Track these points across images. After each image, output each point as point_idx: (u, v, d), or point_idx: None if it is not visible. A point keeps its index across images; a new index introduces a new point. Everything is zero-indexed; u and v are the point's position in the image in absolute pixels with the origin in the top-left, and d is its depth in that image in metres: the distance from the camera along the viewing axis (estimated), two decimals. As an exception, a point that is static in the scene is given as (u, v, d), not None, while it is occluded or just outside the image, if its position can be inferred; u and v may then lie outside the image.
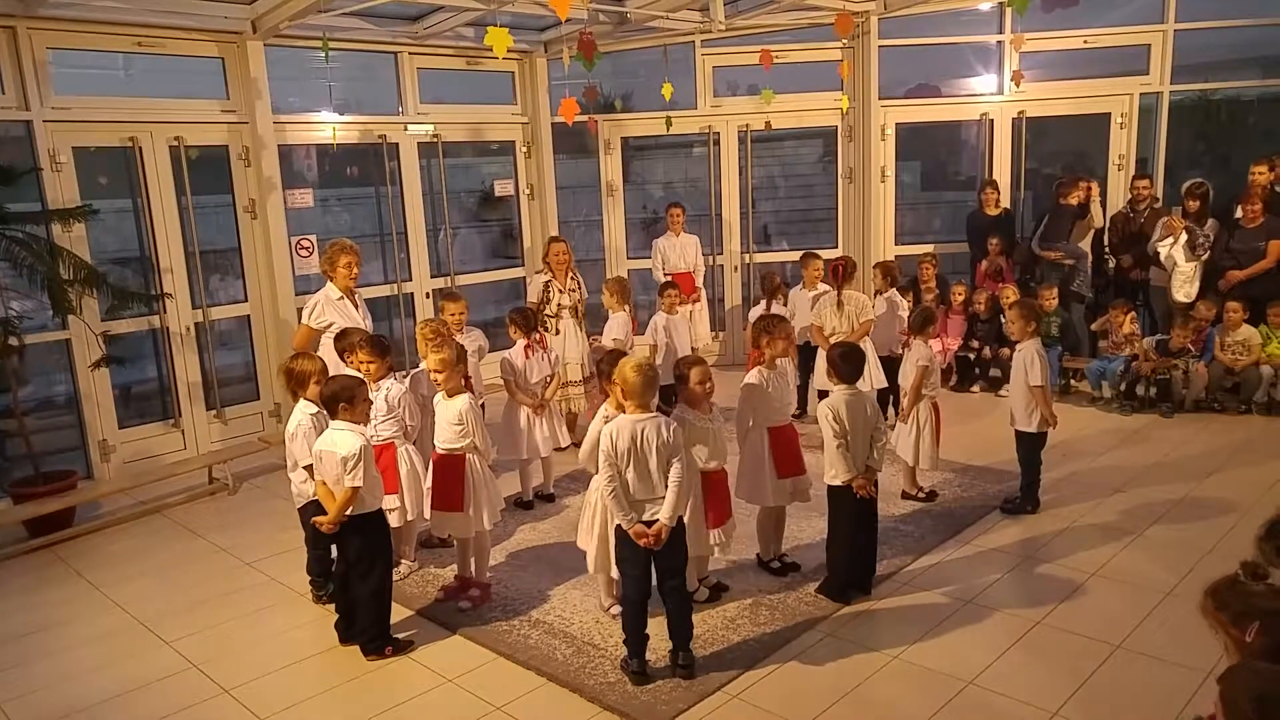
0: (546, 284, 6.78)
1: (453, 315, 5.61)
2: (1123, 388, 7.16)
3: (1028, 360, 5.09)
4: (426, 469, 4.61)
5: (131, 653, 4.24)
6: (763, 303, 7.14)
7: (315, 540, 4.39)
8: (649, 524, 3.56)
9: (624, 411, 3.73)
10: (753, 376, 4.47)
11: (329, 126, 7.62)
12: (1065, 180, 8.08)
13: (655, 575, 3.68)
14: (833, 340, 6.24)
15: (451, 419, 4.27)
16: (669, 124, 8.13)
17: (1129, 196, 8.13)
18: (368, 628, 4.03)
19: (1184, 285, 7.38)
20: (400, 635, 4.13)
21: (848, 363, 4.24)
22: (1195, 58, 8.71)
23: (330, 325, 5.40)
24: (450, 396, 4.32)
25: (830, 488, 4.23)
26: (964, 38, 9.10)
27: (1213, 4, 8.48)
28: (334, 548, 4.14)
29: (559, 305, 6.72)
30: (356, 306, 5.60)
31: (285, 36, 7.11)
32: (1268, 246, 7.11)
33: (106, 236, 6.95)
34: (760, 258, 9.41)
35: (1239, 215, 7.34)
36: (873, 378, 6.19)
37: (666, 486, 3.57)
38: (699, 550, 4.12)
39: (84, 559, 5.41)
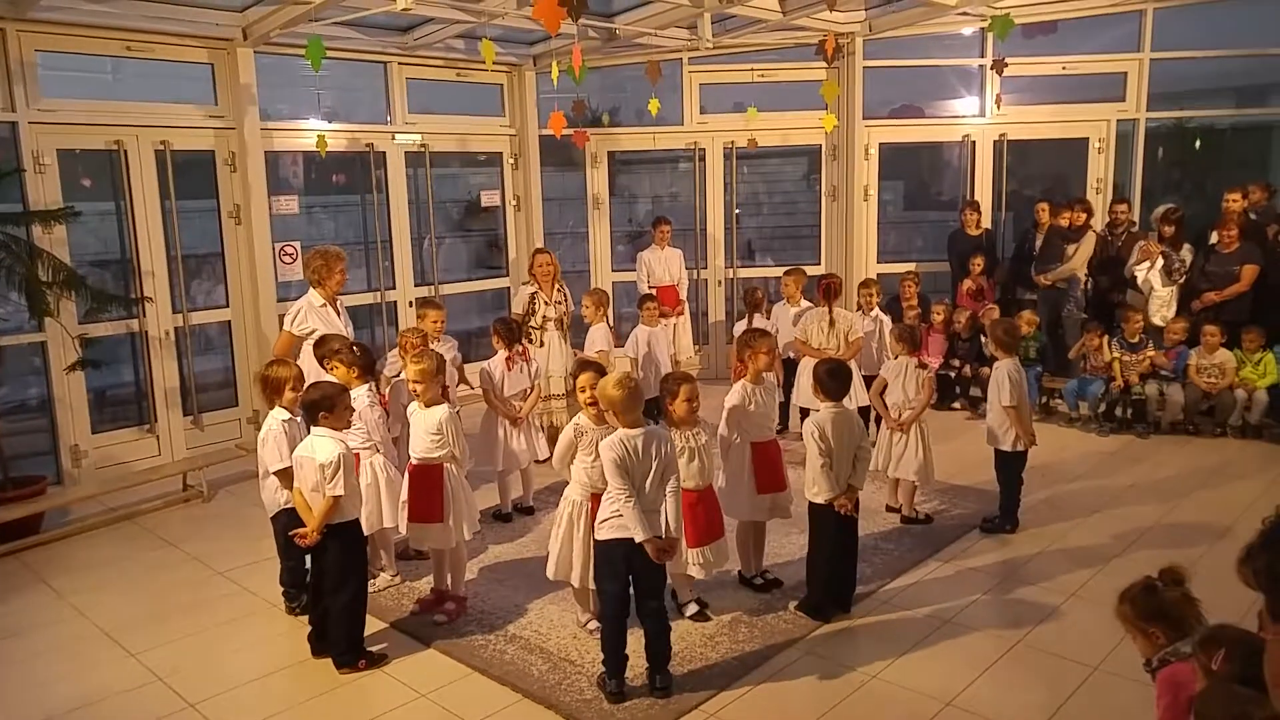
0: (532, 295, 6.77)
1: (434, 323, 5.61)
2: (1102, 409, 7.23)
3: (999, 380, 5.13)
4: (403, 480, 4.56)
5: (95, 664, 4.15)
6: (749, 316, 7.16)
7: (288, 550, 4.33)
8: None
9: (594, 423, 3.71)
10: (734, 397, 4.46)
11: (317, 134, 7.59)
12: (1059, 203, 8.19)
13: (634, 595, 3.65)
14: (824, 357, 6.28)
15: (430, 429, 4.24)
16: (655, 139, 8.17)
17: (1107, 220, 8.24)
18: (341, 640, 3.97)
19: (1161, 309, 7.48)
20: (374, 648, 4.08)
21: (835, 380, 4.24)
22: (1171, 86, 8.86)
23: (313, 332, 5.35)
24: (427, 406, 4.29)
25: (811, 505, 4.23)
26: (947, 60, 9.22)
27: (1188, 34, 8.64)
28: (308, 558, 4.08)
29: (544, 317, 6.71)
30: (339, 314, 5.56)
31: (276, 44, 7.09)
32: (1242, 271, 7.22)
33: (88, 239, 6.89)
34: (744, 273, 9.44)
35: (1214, 240, 7.44)
36: (856, 395, 6.21)
37: (662, 500, 3.56)
38: (676, 568, 4.11)
39: (51, 566, 5.31)
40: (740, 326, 7.34)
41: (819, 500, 4.16)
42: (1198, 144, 9.35)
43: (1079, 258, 7.94)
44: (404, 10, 5.99)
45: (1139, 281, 7.57)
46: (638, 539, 3.49)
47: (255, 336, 7.32)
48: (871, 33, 8.62)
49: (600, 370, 4.05)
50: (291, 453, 4.06)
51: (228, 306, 7.36)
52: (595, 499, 3.84)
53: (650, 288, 8.07)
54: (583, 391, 4.00)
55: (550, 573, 4.11)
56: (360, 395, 4.55)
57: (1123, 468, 6.37)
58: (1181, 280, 7.44)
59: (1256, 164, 8.98)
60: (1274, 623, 1.07)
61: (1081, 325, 7.87)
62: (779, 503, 4.50)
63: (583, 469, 3.93)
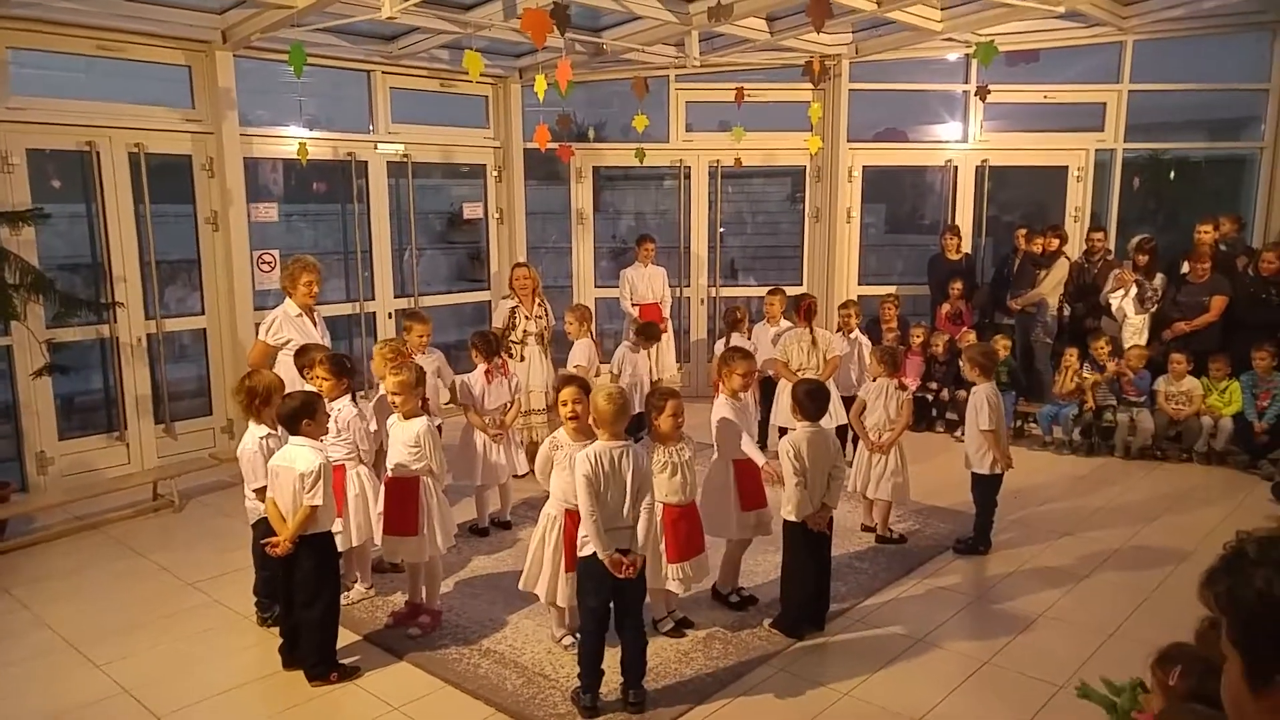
0: (513, 309, 6.75)
1: (420, 337, 5.59)
2: (1075, 433, 7.32)
3: (978, 404, 5.19)
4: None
5: (59, 676, 4.06)
6: (730, 335, 7.19)
7: (265, 560, 4.27)
8: (623, 553, 3.53)
9: (572, 439, 3.71)
10: (725, 409, 4.48)
11: (297, 141, 7.56)
12: (1032, 230, 8.31)
13: (614, 610, 3.64)
14: (803, 377, 6.32)
15: (408, 441, 4.22)
16: (641, 155, 8.20)
17: (1084, 248, 8.36)
18: (313, 652, 3.92)
19: (1134, 338, 7.59)
20: (346, 661, 4.04)
21: (813, 401, 4.28)
22: (1147, 117, 9.04)
23: (288, 342, 5.31)
24: (407, 418, 4.27)
25: (786, 523, 4.24)
26: (931, 85, 9.34)
27: (1165, 67, 8.82)
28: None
29: (524, 331, 6.69)
30: (315, 324, 5.52)
31: (256, 48, 7.04)
32: (1211, 301, 7.35)
33: (57, 241, 6.77)
34: (726, 292, 9.48)
35: (1186, 271, 7.58)
36: (835, 414, 6.25)
37: (636, 516, 3.55)
38: (654, 583, 4.10)
39: (13, 575, 5.19)
40: (721, 345, 7.37)
41: (793, 518, 4.18)
42: (1172, 175, 9.53)
43: (1048, 283, 8.04)
44: (389, 19, 5.98)
45: (1113, 309, 7.68)
46: (599, 554, 3.49)
47: (231, 345, 7.23)
48: (858, 55, 8.72)
49: (583, 385, 4.06)
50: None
51: (203, 314, 7.27)
52: (569, 514, 3.84)
53: (633, 305, 8.08)
54: (564, 405, 4.00)
55: (520, 583, 4.11)
56: (347, 405, 4.52)
57: (1093, 491, 6.45)
58: (1154, 309, 7.56)
59: (1228, 196, 9.17)
60: (1232, 646, 1.09)
61: (1050, 352, 7.97)
62: (763, 519, 4.53)
63: (559, 484, 3.93)
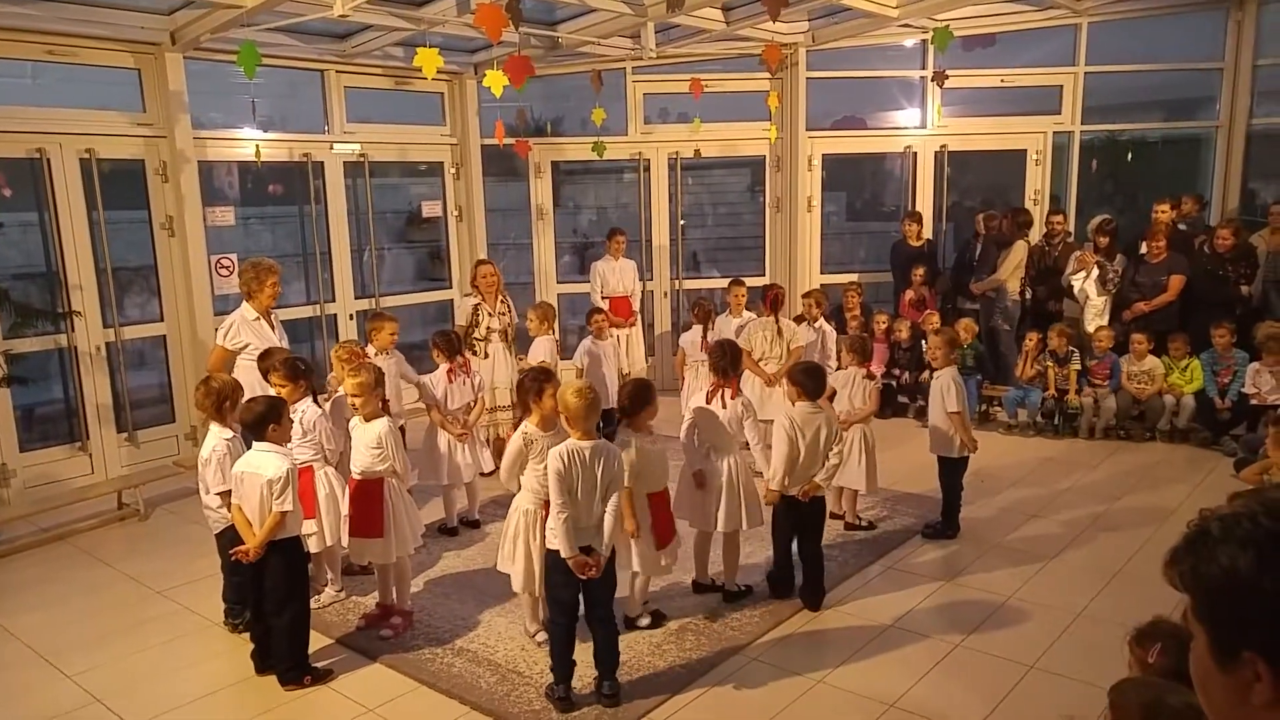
0: (476, 307, 6.71)
1: (391, 335, 5.62)
2: (1039, 416, 7.43)
3: (944, 387, 5.24)
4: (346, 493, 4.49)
5: (29, 687, 4.01)
6: (695, 328, 7.20)
7: (234, 567, 4.22)
8: (586, 552, 3.53)
9: (542, 430, 3.73)
10: (713, 405, 4.53)
11: (252, 143, 7.44)
12: (987, 214, 8.39)
13: (584, 603, 3.65)
14: (767, 367, 6.37)
15: (370, 443, 4.19)
16: (600, 149, 8.18)
17: (1045, 231, 8.45)
18: (285, 657, 3.90)
19: (1096, 319, 7.68)
20: (319, 664, 4.02)
21: (811, 379, 4.41)
22: (1104, 99, 9.15)
23: (246, 346, 5.25)
24: (367, 420, 4.24)
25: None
26: (889, 72, 9.39)
27: (1121, 49, 8.94)
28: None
29: (488, 329, 6.66)
30: (273, 327, 5.45)
31: (207, 50, 6.92)
32: (1169, 281, 7.47)
33: (10, 251, 6.64)
34: (690, 284, 9.49)
35: (1144, 250, 7.70)
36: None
37: (604, 515, 3.57)
38: (650, 571, 4.17)
39: (-23, 590, 5.11)
40: (686, 337, 7.39)
41: (773, 486, 4.40)
42: (1129, 156, 9.66)
43: (1005, 267, 8.13)
44: (341, 17, 5.90)
45: (1075, 291, 7.77)
46: (562, 554, 3.49)
47: (192, 350, 7.12)
48: (815, 44, 8.74)
49: (552, 375, 4.10)
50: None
51: (162, 320, 7.15)
52: (548, 506, 3.82)
53: (604, 298, 8.07)
54: (535, 402, 4.00)
55: (517, 585, 4.06)
56: (310, 407, 4.48)
57: (1059, 473, 6.53)
58: (1115, 290, 7.67)
59: (1186, 176, 9.31)
60: (1199, 623, 1.11)
61: (1016, 338, 8.05)
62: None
63: (534, 476, 3.92)
